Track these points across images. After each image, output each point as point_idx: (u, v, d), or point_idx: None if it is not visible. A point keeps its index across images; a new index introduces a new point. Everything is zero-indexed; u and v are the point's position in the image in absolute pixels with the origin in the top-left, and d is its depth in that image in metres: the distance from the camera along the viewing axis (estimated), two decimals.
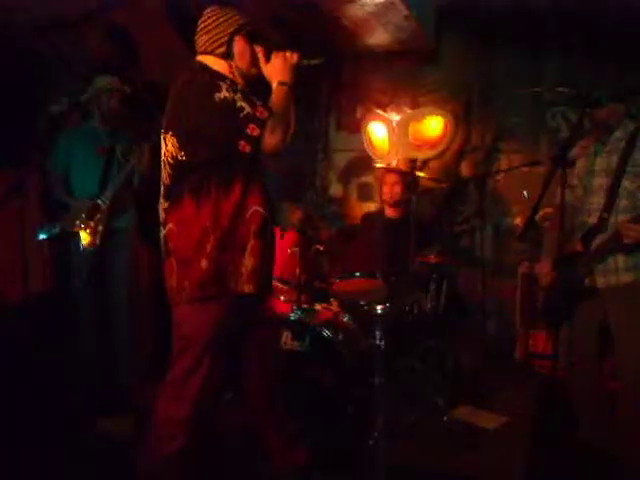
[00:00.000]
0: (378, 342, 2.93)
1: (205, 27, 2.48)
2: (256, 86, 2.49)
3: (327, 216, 5.64)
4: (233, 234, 2.37)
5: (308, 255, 3.74)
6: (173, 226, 2.39)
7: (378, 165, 5.17)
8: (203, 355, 2.35)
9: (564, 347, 2.92)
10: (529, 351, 4.41)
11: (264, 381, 2.61)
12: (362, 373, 3.37)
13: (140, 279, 4.22)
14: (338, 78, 5.71)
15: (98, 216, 3.76)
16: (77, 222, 3.74)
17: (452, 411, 3.69)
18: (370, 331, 3.09)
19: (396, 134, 5.25)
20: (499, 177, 5.00)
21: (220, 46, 2.46)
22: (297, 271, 3.71)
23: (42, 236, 3.74)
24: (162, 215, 2.46)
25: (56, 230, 3.74)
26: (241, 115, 2.29)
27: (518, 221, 4.91)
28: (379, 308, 2.98)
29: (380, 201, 4.87)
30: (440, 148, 5.18)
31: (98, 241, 3.75)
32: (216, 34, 2.46)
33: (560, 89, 3.53)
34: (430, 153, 5.20)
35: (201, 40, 2.49)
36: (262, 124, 2.31)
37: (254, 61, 2.51)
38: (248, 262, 2.38)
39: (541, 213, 3.69)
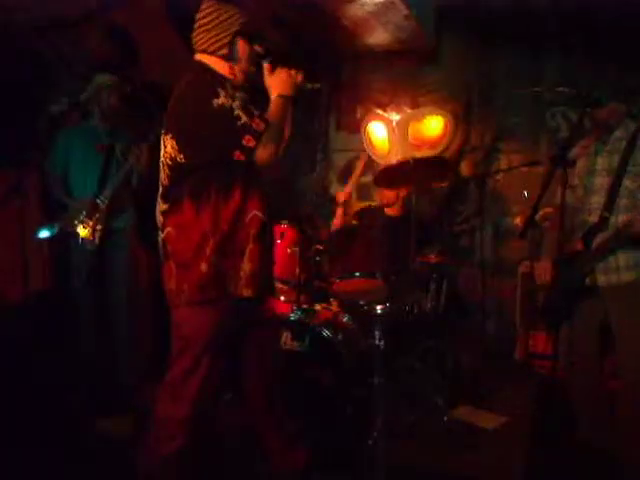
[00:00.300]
0: (378, 342, 2.93)
1: (205, 25, 2.42)
2: (255, 95, 2.47)
3: (327, 216, 5.64)
4: (232, 238, 2.37)
5: (308, 255, 3.73)
6: (172, 230, 2.39)
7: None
8: (202, 355, 2.35)
9: (564, 347, 2.92)
10: (529, 351, 4.41)
11: (263, 381, 2.61)
12: (362, 373, 3.37)
13: (139, 279, 4.22)
14: (338, 78, 5.71)
15: (97, 215, 3.76)
16: (76, 222, 3.74)
17: (452, 411, 3.68)
18: (370, 331, 3.09)
19: (396, 134, 5.25)
20: (499, 177, 4.99)
21: (222, 47, 2.42)
22: (297, 271, 3.70)
23: (41, 236, 3.74)
24: (160, 218, 2.45)
25: (55, 230, 3.74)
26: (238, 124, 2.27)
27: (518, 221, 4.91)
28: (379, 308, 2.98)
29: (378, 201, 4.88)
30: (440, 148, 5.18)
31: (97, 241, 3.75)
32: (217, 34, 2.41)
33: (560, 89, 3.53)
34: (430, 153, 5.19)
35: (201, 39, 2.44)
36: (258, 136, 2.29)
37: (252, 61, 2.50)
38: (247, 266, 2.38)
39: (541, 213, 3.69)
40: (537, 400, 3.77)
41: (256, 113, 2.32)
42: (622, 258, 2.74)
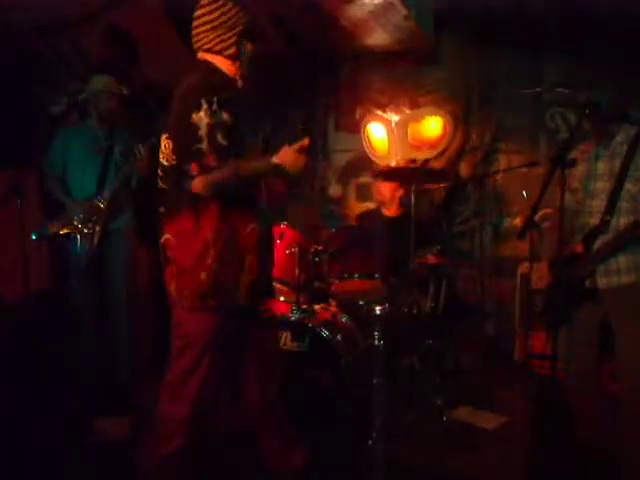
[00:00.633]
0: (377, 342, 2.93)
1: (209, 22, 2.38)
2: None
3: (326, 216, 5.65)
4: (232, 249, 2.36)
5: (307, 255, 3.73)
6: (171, 237, 2.38)
7: None
8: (202, 355, 2.36)
9: (563, 348, 2.92)
10: (528, 352, 4.41)
11: (263, 381, 2.61)
12: (361, 373, 3.37)
13: (139, 279, 4.22)
14: (337, 78, 5.71)
15: (96, 216, 3.76)
16: (75, 222, 3.74)
17: (451, 411, 3.69)
18: (369, 331, 3.10)
19: (395, 134, 5.25)
20: (498, 177, 4.99)
21: (229, 47, 2.40)
22: (296, 272, 3.70)
23: (39, 236, 3.74)
24: (160, 219, 2.46)
25: (52, 230, 3.74)
26: (195, 146, 2.23)
27: (517, 221, 4.91)
28: (378, 309, 2.98)
29: (376, 201, 4.89)
30: (439, 148, 5.18)
31: (96, 241, 3.75)
32: (223, 33, 2.39)
33: (559, 90, 3.54)
34: (429, 153, 5.20)
35: (204, 37, 2.40)
36: (204, 170, 2.23)
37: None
38: (246, 278, 2.39)
39: (540, 214, 3.69)
40: (536, 400, 3.77)
41: (221, 146, 2.25)
42: (623, 260, 2.74)
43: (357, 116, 5.57)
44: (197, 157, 2.23)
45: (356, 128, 5.57)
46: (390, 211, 4.65)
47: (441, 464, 3.09)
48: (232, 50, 2.41)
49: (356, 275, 3.45)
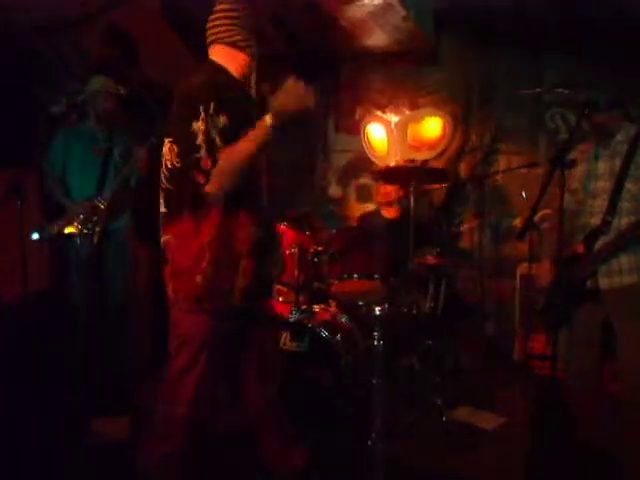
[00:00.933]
0: (377, 343, 2.93)
1: (231, 17, 2.44)
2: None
3: (326, 217, 5.65)
4: (228, 253, 2.36)
5: (307, 256, 3.73)
6: (171, 238, 2.39)
7: None
8: (199, 353, 2.36)
9: (564, 349, 2.92)
10: (528, 352, 4.41)
11: (263, 381, 2.61)
12: (361, 374, 3.38)
13: (138, 279, 4.22)
14: (337, 79, 5.71)
15: (96, 217, 3.76)
16: (75, 223, 3.74)
17: (451, 411, 3.69)
18: (369, 332, 3.09)
19: (395, 135, 5.26)
20: (498, 178, 5.00)
21: (246, 41, 2.45)
22: (296, 272, 3.71)
23: (36, 237, 3.74)
24: (161, 220, 2.46)
25: (53, 230, 3.74)
26: (194, 155, 2.24)
27: (517, 222, 4.91)
28: (377, 309, 2.98)
29: (376, 202, 4.89)
30: (439, 149, 5.19)
31: (96, 242, 3.75)
32: (241, 28, 2.44)
33: (559, 90, 3.54)
34: (429, 154, 5.20)
35: (227, 29, 2.44)
36: (206, 174, 2.24)
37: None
38: (241, 282, 2.39)
39: (540, 214, 3.69)
40: (536, 401, 3.77)
41: (216, 147, 2.24)
42: (624, 261, 2.75)
43: (357, 117, 5.57)
44: (197, 166, 2.24)
45: (356, 129, 5.57)
46: (390, 212, 4.66)
47: (441, 464, 3.09)
48: (248, 44, 2.46)
49: (356, 276, 3.46)
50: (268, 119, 2.28)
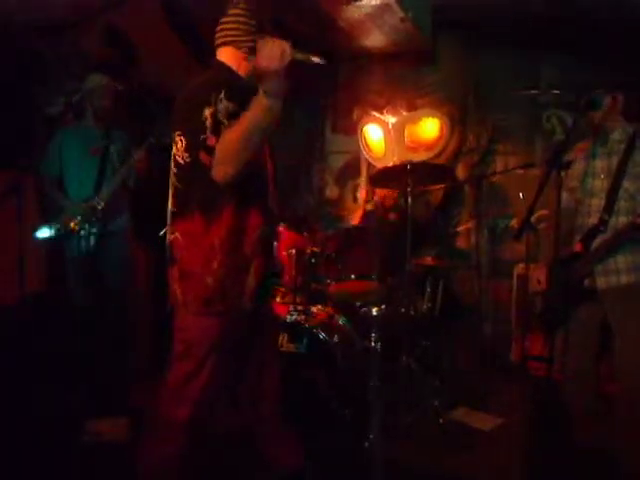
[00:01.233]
0: (374, 344, 2.94)
1: (242, 22, 2.46)
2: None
3: (323, 218, 5.65)
4: (239, 253, 2.35)
5: (304, 257, 3.74)
6: (180, 237, 2.36)
7: None
8: (206, 359, 2.34)
9: (560, 349, 2.93)
10: (525, 353, 4.42)
11: (265, 382, 2.60)
12: (358, 374, 3.38)
13: (136, 280, 4.22)
14: (334, 80, 5.72)
15: (94, 218, 3.76)
16: (73, 223, 3.74)
17: (448, 412, 3.69)
18: (366, 333, 3.11)
19: (392, 136, 5.27)
20: (495, 179, 5.01)
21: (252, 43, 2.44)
22: (293, 273, 3.71)
23: (39, 236, 3.74)
24: (169, 218, 2.45)
25: (52, 231, 3.74)
26: (200, 137, 2.23)
27: (514, 223, 4.92)
28: (375, 310, 2.99)
29: (374, 204, 4.90)
30: (436, 150, 5.20)
31: (93, 242, 3.75)
32: (250, 32, 2.45)
33: (556, 91, 3.55)
34: (426, 155, 5.21)
35: (236, 31, 2.46)
36: (210, 151, 2.22)
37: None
38: (251, 282, 2.38)
39: (536, 215, 3.70)
40: (533, 401, 3.78)
41: (222, 125, 2.23)
42: (621, 261, 2.76)
43: (354, 118, 5.58)
44: (203, 146, 2.23)
45: (353, 130, 5.58)
46: (387, 213, 4.67)
47: (438, 465, 3.09)
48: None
49: (353, 276, 3.47)
50: (260, 91, 2.19)
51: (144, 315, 4.34)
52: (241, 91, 2.33)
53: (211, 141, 2.22)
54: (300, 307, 3.72)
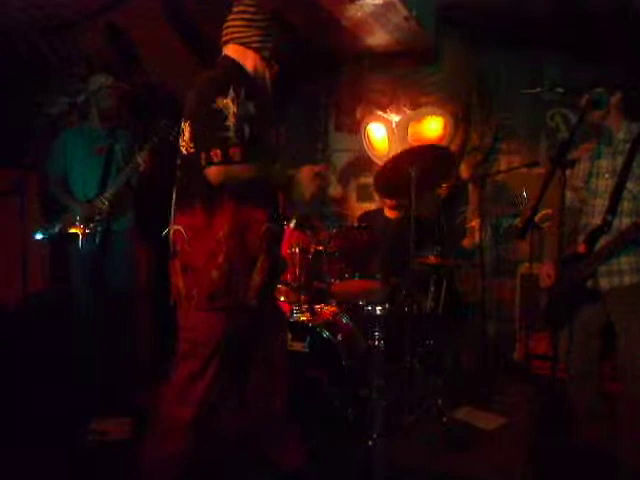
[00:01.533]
0: (377, 342, 2.93)
1: (255, 20, 2.48)
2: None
3: (326, 217, 5.65)
4: (245, 248, 2.35)
5: (307, 256, 3.73)
6: (183, 230, 2.36)
7: None
8: (210, 359, 2.34)
9: (564, 349, 2.92)
10: (529, 352, 4.41)
11: (266, 382, 2.60)
12: (361, 374, 3.37)
13: (139, 279, 4.22)
14: (338, 78, 5.71)
15: (97, 217, 3.76)
16: (77, 223, 3.74)
17: (451, 412, 3.69)
18: (369, 332, 3.10)
19: (396, 135, 5.26)
20: (498, 178, 4.99)
21: (263, 43, 2.48)
22: (296, 272, 3.71)
23: (40, 236, 3.74)
24: (173, 209, 2.45)
25: (55, 230, 3.74)
26: (217, 133, 2.23)
27: (518, 222, 4.91)
28: (378, 309, 2.98)
29: (380, 202, 4.88)
30: None
31: (97, 242, 3.75)
32: (260, 30, 2.47)
33: (559, 90, 3.52)
34: None
35: (244, 30, 2.47)
36: (226, 160, 2.23)
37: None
38: (256, 278, 2.37)
39: (540, 214, 3.70)
40: (536, 401, 3.77)
41: (247, 138, 2.28)
42: (624, 261, 2.75)
43: (357, 116, 5.57)
44: (222, 145, 2.22)
45: (356, 128, 5.58)
46: (392, 212, 4.66)
47: (441, 464, 3.09)
48: (262, 45, 2.48)
49: (357, 275, 3.46)
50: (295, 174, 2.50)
51: (147, 314, 4.34)
52: (257, 89, 2.40)
53: (235, 153, 2.23)
54: (304, 306, 3.72)
